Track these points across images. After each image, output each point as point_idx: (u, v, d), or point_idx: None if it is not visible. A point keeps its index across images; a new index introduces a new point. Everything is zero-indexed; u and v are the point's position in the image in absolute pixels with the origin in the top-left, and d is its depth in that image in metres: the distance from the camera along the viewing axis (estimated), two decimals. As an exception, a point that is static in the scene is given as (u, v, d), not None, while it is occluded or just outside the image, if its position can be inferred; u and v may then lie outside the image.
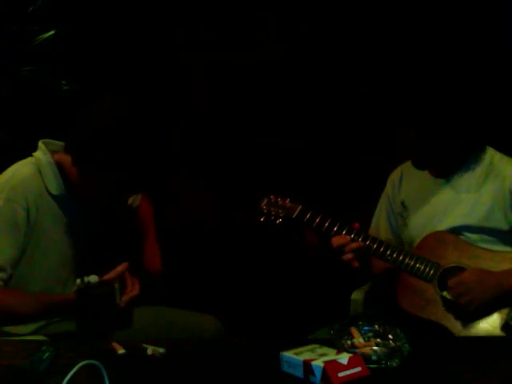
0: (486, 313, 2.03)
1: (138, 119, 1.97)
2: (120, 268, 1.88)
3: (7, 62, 2.95)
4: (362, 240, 2.13)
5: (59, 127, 2.33)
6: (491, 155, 2.21)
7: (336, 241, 2.12)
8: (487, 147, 2.22)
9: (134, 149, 1.92)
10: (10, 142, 2.86)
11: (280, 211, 2.21)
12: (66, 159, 2.01)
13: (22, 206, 1.93)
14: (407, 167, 2.35)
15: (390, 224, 2.35)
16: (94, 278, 1.80)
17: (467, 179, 2.20)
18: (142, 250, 2.27)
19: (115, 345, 1.70)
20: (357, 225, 2.15)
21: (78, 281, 1.80)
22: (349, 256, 2.10)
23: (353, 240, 2.13)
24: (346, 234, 2.13)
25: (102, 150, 1.90)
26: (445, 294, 2.07)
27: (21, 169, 2.01)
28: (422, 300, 2.10)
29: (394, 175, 2.38)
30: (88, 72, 3.04)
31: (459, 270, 2.09)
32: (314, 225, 2.16)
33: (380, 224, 2.37)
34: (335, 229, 2.14)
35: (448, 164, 2.21)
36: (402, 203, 2.31)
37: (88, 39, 3.07)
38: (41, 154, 2.04)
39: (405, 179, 2.34)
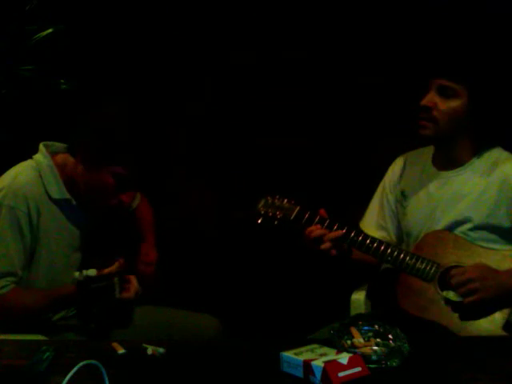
0: (487, 312, 2.03)
1: (137, 118, 1.99)
2: (116, 264, 1.88)
3: (5, 61, 2.95)
4: (361, 239, 2.13)
5: (58, 126, 2.34)
6: (498, 153, 2.21)
7: (316, 231, 2.12)
8: (498, 147, 2.22)
9: (134, 146, 1.93)
10: (10, 142, 2.86)
11: (278, 213, 2.20)
12: (69, 160, 2.02)
13: (23, 212, 1.95)
14: (411, 156, 2.35)
15: (384, 210, 2.35)
16: (92, 272, 1.80)
17: (472, 174, 2.19)
18: (138, 251, 2.28)
19: (115, 345, 1.70)
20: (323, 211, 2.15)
21: (77, 274, 1.80)
22: (327, 245, 2.09)
23: (351, 239, 2.13)
24: (346, 233, 2.13)
25: (104, 149, 1.92)
26: (445, 293, 2.06)
27: (21, 174, 2.01)
28: (422, 301, 2.09)
29: (397, 163, 2.37)
30: (86, 71, 3.04)
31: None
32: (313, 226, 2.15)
33: (375, 210, 2.37)
34: (334, 229, 2.13)
35: (455, 149, 2.19)
36: (402, 192, 2.30)
37: (86, 38, 3.06)
38: (41, 157, 2.04)
39: (407, 168, 2.33)
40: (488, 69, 2.17)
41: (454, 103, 2.12)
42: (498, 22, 2.86)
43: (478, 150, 2.20)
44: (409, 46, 2.99)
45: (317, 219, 2.14)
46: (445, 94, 2.12)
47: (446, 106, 2.12)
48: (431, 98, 2.13)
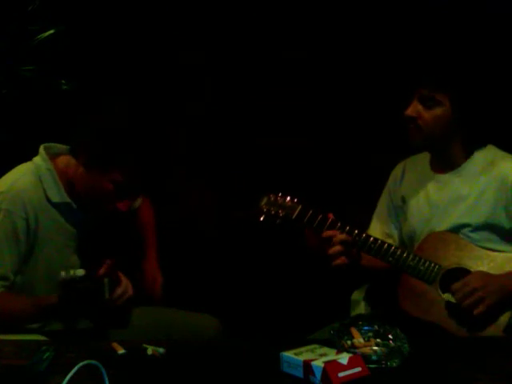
0: (488, 315, 2.02)
1: (138, 119, 1.99)
2: (105, 266, 1.87)
3: (7, 61, 2.95)
4: (363, 239, 2.12)
5: (58, 126, 2.33)
6: (494, 153, 2.21)
7: (326, 233, 2.10)
8: (491, 145, 2.22)
9: (135, 147, 1.93)
10: (10, 142, 2.86)
11: (280, 211, 2.19)
12: (71, 161, 2.01)
13: (21, 217, 1.95)
14: (410, 162, 2.35)
15: (389, 218, 2.35)
16: (80, 272, 1.78)
17: (469, 175, 2.19)
18: (141, 262, 2.28)
19: (115, 345, 1.70)
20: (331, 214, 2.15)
21: (63, 273, 1.77)
22: (337, 248, 2.08)
23: (354, 240, 2.12)
24: (348, 234, 2.12)
25: (105, 150, 1.91)
26: (446, 296, 2.06)
27: (20, 179, 2.00)
28: (424, 302, 2.09)
29: (397, 169, 2.38)
30: (87, 71, 3.05)
31: (461, 271, 2.08)
32: (315, 225, 2.14)
33: (380, 218, 2.36)
34: (336, 228, 2.13)
35: (449, 152, 2.19)
36: (402, 198, 2.30)
37: (87, 38, 3.07)
38: (40, 160, 2.03)
39: (407, 174, 2.33)
40: (468, 75, 2.17)
41: (437, 111, 2.12)
42: (478, 26, 2.89)
43: (471, 151, 2.20)
44: (406, 47, 3.00)
45: (328, 223, 2.12)
46: (427, 103, 2.13)
47: (429, 114, 2.13)
48: (414, 107, 2.14)
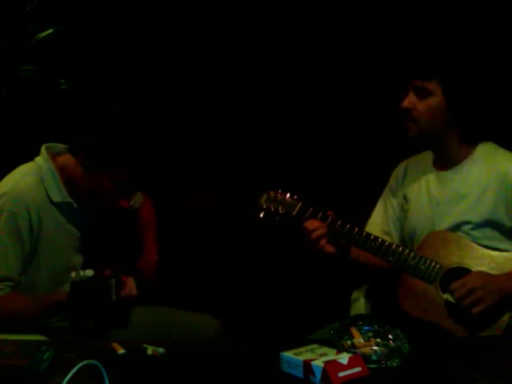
0: (488, 316, 2.02)
1: (138, 119, 1.99)
2: (112, 266, 1.88)
3: (6, 61, 2.95)
4: (363, 238, 2.12)
5: (58, 126, 2.34)
6: (495, 150, 2.21)
7: (310, 224, 2.12)
8: (491, 143, 2.22)
9: (135, 147, 1.93)
10: (10, 142, 2.86)
11: (280, 208, 2.18)
12: (70, 160, 2.02)
13: (24, 218, 1.95)
14: (412, 161, 2.35)
15: (389, 216, 2.34)
16: (89, 273, 1.79)
17: (470, 173, 2.18)
18: (139, 253, 2.28)
19: (115, 345, 1.70)
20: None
21: (73, 274, 1.79)
22: (318, 233, 2.09)
23: (353, 237, 2.12)
24: (348, 231, 2.12)
25: (105, 150, 1.92)
26: (446, 296, 2.06)
27: (22, 179, 2.01)
28: (424, 302, 2.09)
29: (399, 168, 2.37)
30: (87, 71, 3.05)
31: (462, 270, 2.08)
32: None
33: (379, 216, 2.36)
34: (337, 226, 2.13)
35: (448, 147, 2.19)
36: (404, 196, 2.30)
37: (86, 38, 3.06)
38: (42, 160, 2.04)
39: (409, 173, 2.33)
40: (459, 65, 2.18)
41: (431, 102, 2.13)
42: (467, 18, 2.90)
43: (470, 147, 2.20)
44: (407, 48, 3.00)
45: (319, 215, 2.13)
46: (420, 94, 2.14)
47: (423, 105, 2.14)
48: (409, 99, 2.16)
